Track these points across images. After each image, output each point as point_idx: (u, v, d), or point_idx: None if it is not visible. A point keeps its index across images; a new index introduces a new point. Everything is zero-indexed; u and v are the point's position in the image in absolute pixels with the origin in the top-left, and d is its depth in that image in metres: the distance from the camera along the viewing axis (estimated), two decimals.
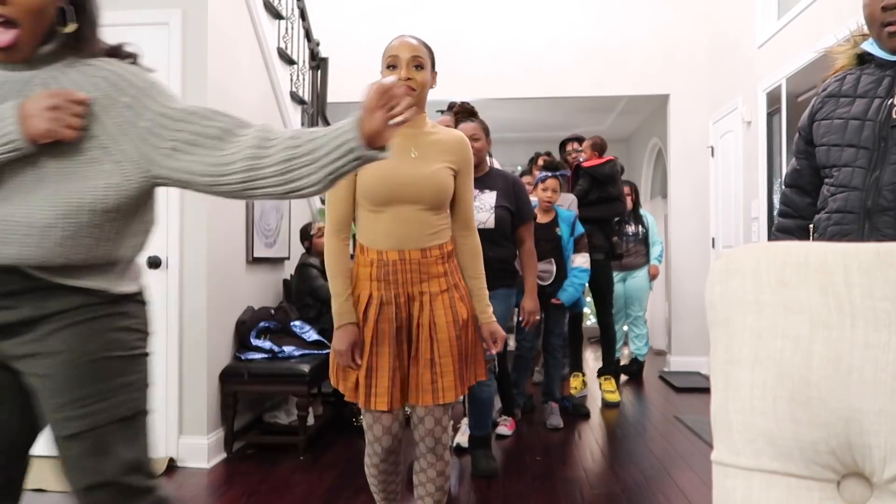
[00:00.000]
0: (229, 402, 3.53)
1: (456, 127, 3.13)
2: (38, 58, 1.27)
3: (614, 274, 5.51)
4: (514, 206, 3.21)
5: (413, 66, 1.91)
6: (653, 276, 5.83)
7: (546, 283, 4.03)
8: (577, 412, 4.43)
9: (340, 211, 1.99)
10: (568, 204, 4.42)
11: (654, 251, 5.79)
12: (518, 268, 3.41)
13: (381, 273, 1.93)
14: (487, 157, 3.38)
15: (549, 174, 4.05)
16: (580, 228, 4.20)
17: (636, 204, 5.67)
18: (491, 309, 2.11)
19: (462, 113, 3.35)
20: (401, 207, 1.90)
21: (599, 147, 4.84)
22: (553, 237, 4.08)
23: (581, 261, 4.15)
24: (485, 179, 3.18)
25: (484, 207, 3.13)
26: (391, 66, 1.91)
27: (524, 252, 3.33)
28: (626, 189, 5.59)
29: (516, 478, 3.23)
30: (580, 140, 5.09)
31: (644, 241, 5.66)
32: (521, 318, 3.28)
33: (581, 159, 4.88)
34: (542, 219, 4.07)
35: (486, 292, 2.11)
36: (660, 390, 5.28)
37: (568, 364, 5.07)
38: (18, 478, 1.36)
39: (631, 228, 5.60)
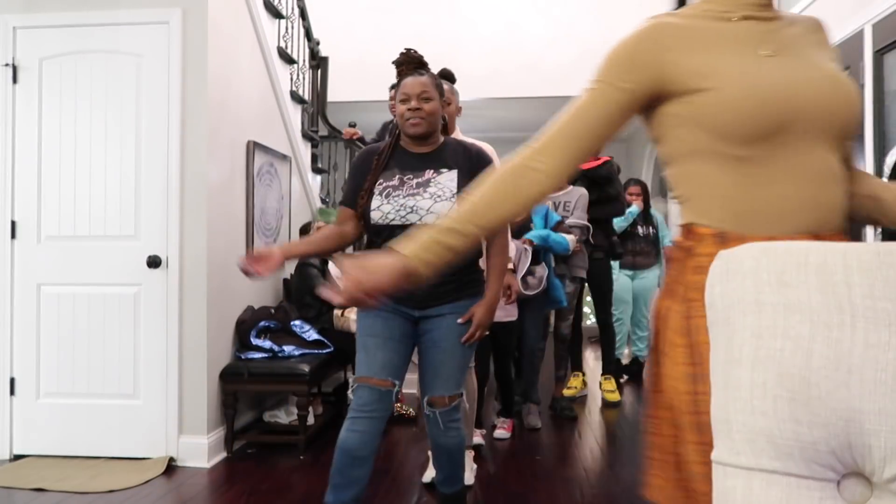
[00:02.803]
0: (229, 401, 3.53)
1: (399, 82, 2.32)
2: None
3: (624, 273, 5.51)
4: None
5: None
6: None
7: (536, 292, 3.79)
8: (562, 415, 4.33)
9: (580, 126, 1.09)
10: (576, 198, 4.38)
11: (667, 241, 5.75)
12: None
13: None
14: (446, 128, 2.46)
15: None
16: (555, 217, 4.09)
17: (647, 205, 5.62)
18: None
19: (408, 64, 2.37)
20: (804, 145, 0.99)
21: None
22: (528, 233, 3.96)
23: (563, 235, 4.01)
24: (439, 155, 2.28)
25: (443, 195, 2.19)
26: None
27: (494, 247, 2.34)
28: (637, 189, 5.56)
29: (516, 478, 3.23)
30: None
31: (654, 241, 5.62)
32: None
33: None
34: None
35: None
36: None
37: (555, 366, 5.06)
38: None
39: (642, 230, 5.56)
